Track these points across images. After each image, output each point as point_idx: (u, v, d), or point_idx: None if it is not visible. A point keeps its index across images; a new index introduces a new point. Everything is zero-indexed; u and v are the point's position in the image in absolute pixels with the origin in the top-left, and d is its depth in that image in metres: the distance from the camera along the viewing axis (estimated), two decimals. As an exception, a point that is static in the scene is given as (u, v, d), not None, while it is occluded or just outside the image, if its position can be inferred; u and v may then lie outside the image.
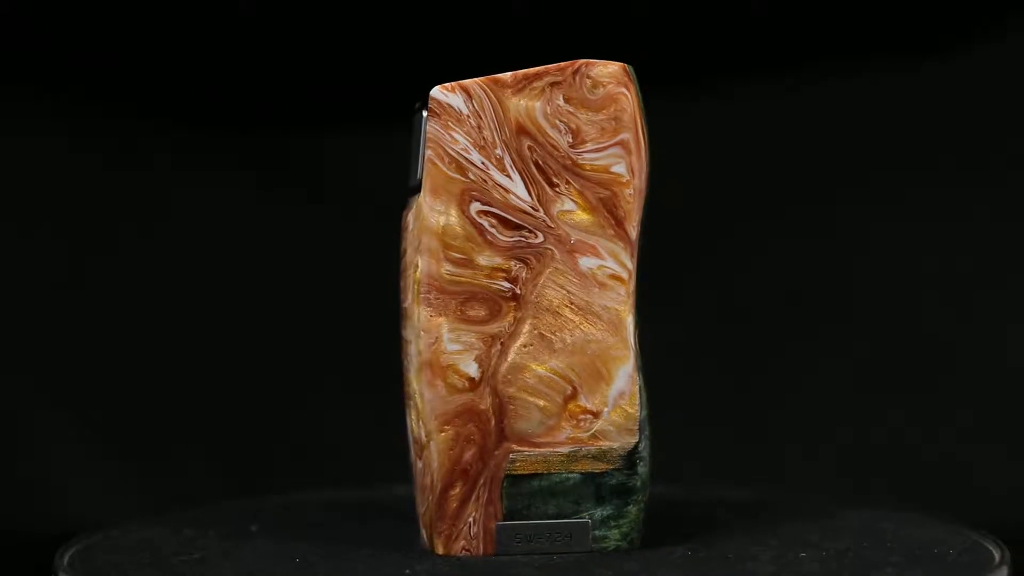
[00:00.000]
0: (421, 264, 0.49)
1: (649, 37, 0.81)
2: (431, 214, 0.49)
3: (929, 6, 0.81)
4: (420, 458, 0.49)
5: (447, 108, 0.49)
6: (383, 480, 0.63)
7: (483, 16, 0.81)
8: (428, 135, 0.49)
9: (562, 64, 0.51)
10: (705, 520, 0.55)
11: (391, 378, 0.61)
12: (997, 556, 0.49)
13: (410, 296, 0.49)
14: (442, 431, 0.49)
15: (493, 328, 0.49)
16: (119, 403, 0.81)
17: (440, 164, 0.49)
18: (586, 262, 0.50)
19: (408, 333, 0.50)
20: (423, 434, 0.49)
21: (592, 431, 0.50)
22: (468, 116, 0.49)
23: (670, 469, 0.57)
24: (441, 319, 0.49)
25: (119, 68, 0.81)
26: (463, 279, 0.49)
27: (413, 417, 0.50)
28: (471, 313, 0.49)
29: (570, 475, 0.50)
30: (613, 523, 0.51)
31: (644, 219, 0.51)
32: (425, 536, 0.50)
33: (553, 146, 0.50)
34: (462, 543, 0.49)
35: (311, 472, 0.80)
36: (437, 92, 0.50)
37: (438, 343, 0.49)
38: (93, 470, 0.80)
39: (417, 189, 0.50)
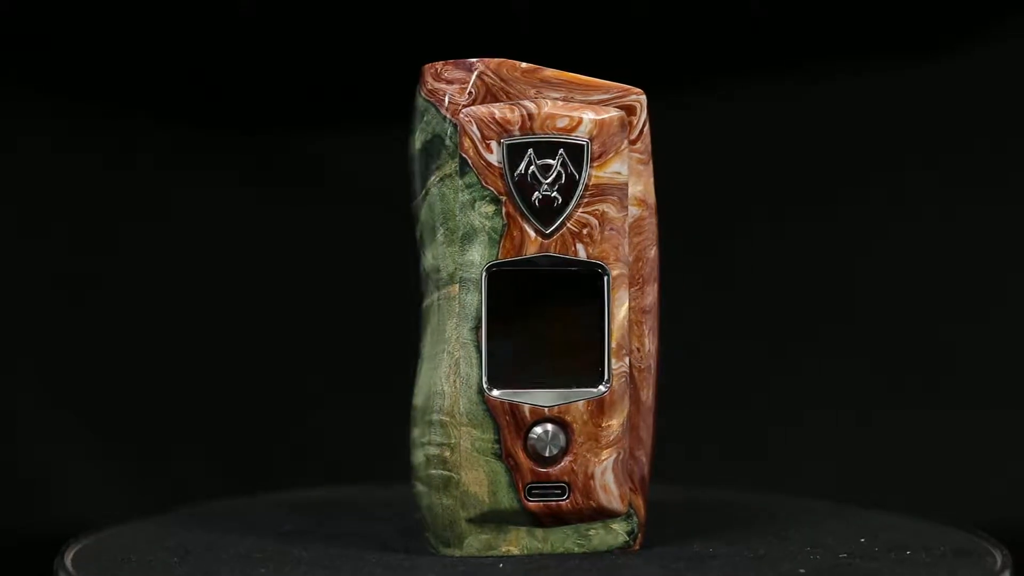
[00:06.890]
0: None
1: (649, 37, 0.81)
2: None
3: (929, 6, 0.81)
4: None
5: None
6: (383, 480, 0.63)
7: (483, 15, 0.81)
8: None
9: None
10: (705, 521, 0.55)
11: (391, 378, 0.61)
12: (997, 557, 0.49)
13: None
14: None
15: None
16: (120, 403, 0.81)
17: None
18: None
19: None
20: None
21: None
22: None
23: (671, 469, 0.57)
24: None
25: (119, 69, 0.81)
26: None
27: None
28: None
29: None
30: None
31: None
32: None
33: None
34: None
35: (311, 472, 0.80)
36: None
37: None
38: (93, 470, 0.80)
39: None
